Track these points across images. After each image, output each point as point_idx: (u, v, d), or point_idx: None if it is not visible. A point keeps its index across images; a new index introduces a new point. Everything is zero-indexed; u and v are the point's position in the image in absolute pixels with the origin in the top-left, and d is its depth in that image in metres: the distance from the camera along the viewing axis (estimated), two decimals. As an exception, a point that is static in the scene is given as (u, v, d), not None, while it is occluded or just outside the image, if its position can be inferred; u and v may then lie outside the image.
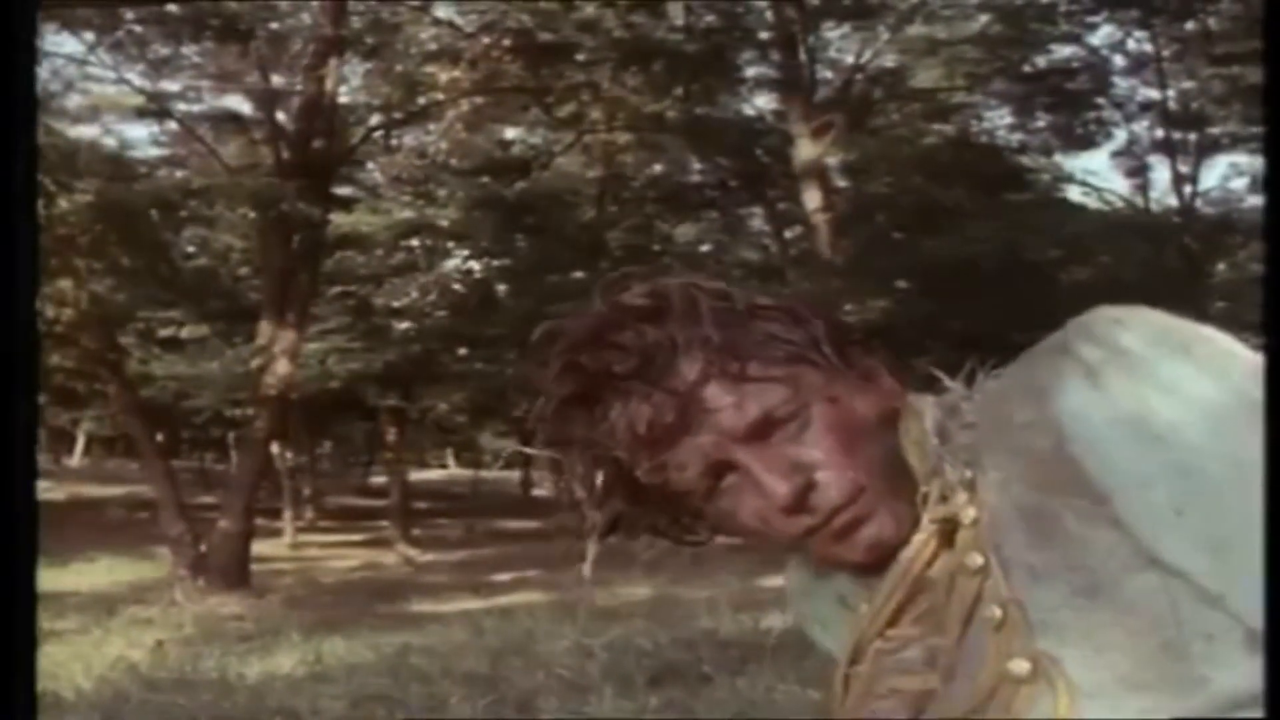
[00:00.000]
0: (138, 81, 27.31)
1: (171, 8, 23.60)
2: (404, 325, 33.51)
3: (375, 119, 28.79)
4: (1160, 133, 33.23)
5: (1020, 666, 1.20)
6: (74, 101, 28.15)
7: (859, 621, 1.38)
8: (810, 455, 1.30)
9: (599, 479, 1.36)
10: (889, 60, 30.13)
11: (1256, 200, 33.21)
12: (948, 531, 1.28)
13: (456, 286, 35.11)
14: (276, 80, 25.71)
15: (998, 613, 1.22)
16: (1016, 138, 34.07)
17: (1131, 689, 1.16)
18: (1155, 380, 1.16)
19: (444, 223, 33.70)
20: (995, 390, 1.31)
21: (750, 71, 29.44)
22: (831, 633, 1.49)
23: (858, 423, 1.32)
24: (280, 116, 25.31)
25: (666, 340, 1.31)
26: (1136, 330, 1.20)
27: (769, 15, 26.55)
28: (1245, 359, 1.19)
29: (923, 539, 1.30)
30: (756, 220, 36.41)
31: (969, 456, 1.28)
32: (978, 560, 1.25)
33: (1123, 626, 1.17)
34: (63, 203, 17.95)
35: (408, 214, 32.57)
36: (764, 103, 31.47)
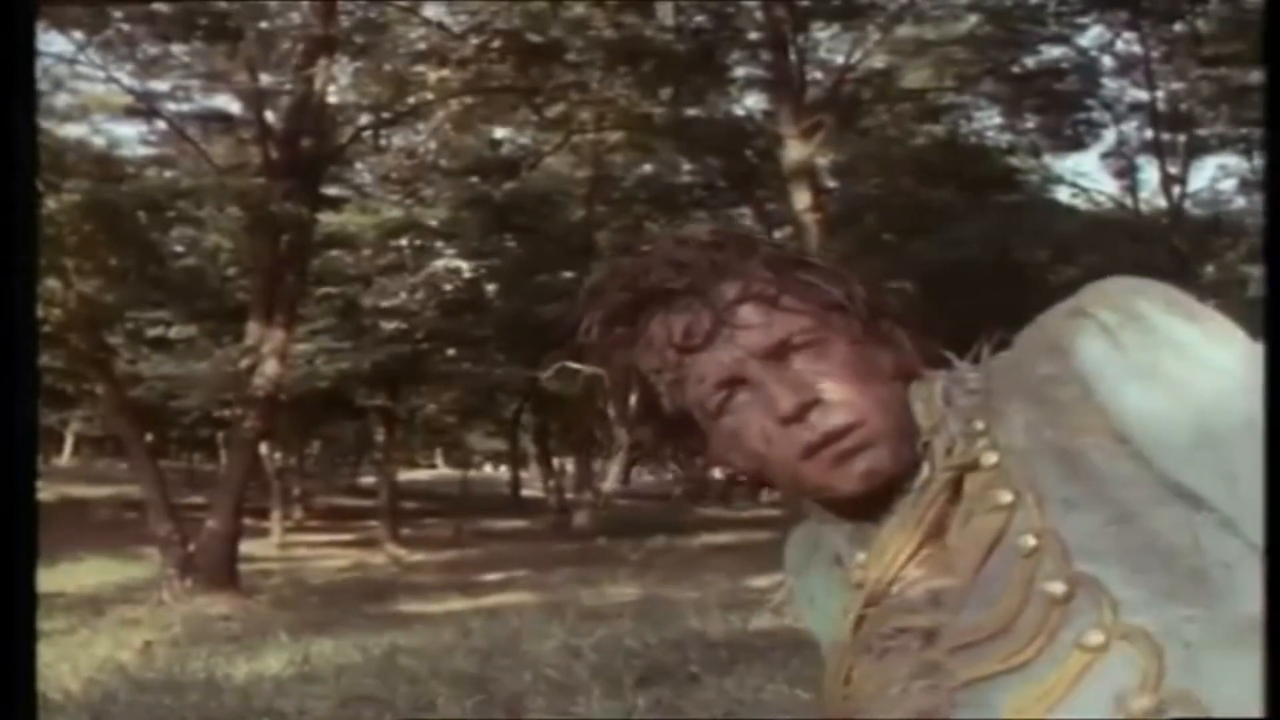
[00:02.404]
0: (127, 81, 27.23)
1: (160, 7, 23.57)
2: (392, 325, 33.51)
3: (364, 119, 28.75)
4: (1149, 134, 33.29)
5: (1056, 587, 1.29)
6: (63, 100, 28.02)
7: (868, 568, 1.45)
8: (821, 378, 1.40)
9: (633, 400, 1.49)
10: (878, 61, 30.12)
11: (1244, 201, 33.33)
12: (958, 479, 1.39)
13: (445, 286, 35.12)
14: (265, 80, 25.60)
15: (1031, 541, 1.31)
16: (1006, 138, 34.16)
17: (1171, 599, 1.26)
18: (1168, 342, 1.29)
19: (433, 222, 33.74)
20: (1009, 354, 1.43)
21: (740, 72, 29.44)
22: (821, 609, 1.57)
23: (872, 368, 1.42)
24: (269, 116, 25.24)
25: (718, 264, 1.43)
26: (1150, 297, 1.33)
27: (758, 15, 26.50)
28: (1244, 339, 1.31)
29: (938, 486, 1.40)
30: (746, 221, 36.32)
31: (975, 415, 1.40)
32: (1006, 497, 1.35)
33: (1155, 550, 1.27)
34: (51, 202, 17.87)
35: (396, 214, 32.61)
36: (753, 103, 31.50)
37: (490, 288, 36.01)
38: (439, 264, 35.99)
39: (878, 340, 1.44)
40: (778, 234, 32.08)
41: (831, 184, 31.45)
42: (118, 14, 23.95)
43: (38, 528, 1.58)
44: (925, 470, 1.41)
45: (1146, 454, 1.29)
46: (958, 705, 1.33)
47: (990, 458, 1.37)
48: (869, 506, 1.43)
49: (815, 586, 1.59)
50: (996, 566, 1.34)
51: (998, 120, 33.58)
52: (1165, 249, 30.40)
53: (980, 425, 1.39)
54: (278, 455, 35.87)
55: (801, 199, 23.43)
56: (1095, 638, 1.27)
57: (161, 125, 30.23)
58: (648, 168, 35.62)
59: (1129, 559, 1.28)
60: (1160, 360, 1.29)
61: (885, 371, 1.43)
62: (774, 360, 1.40)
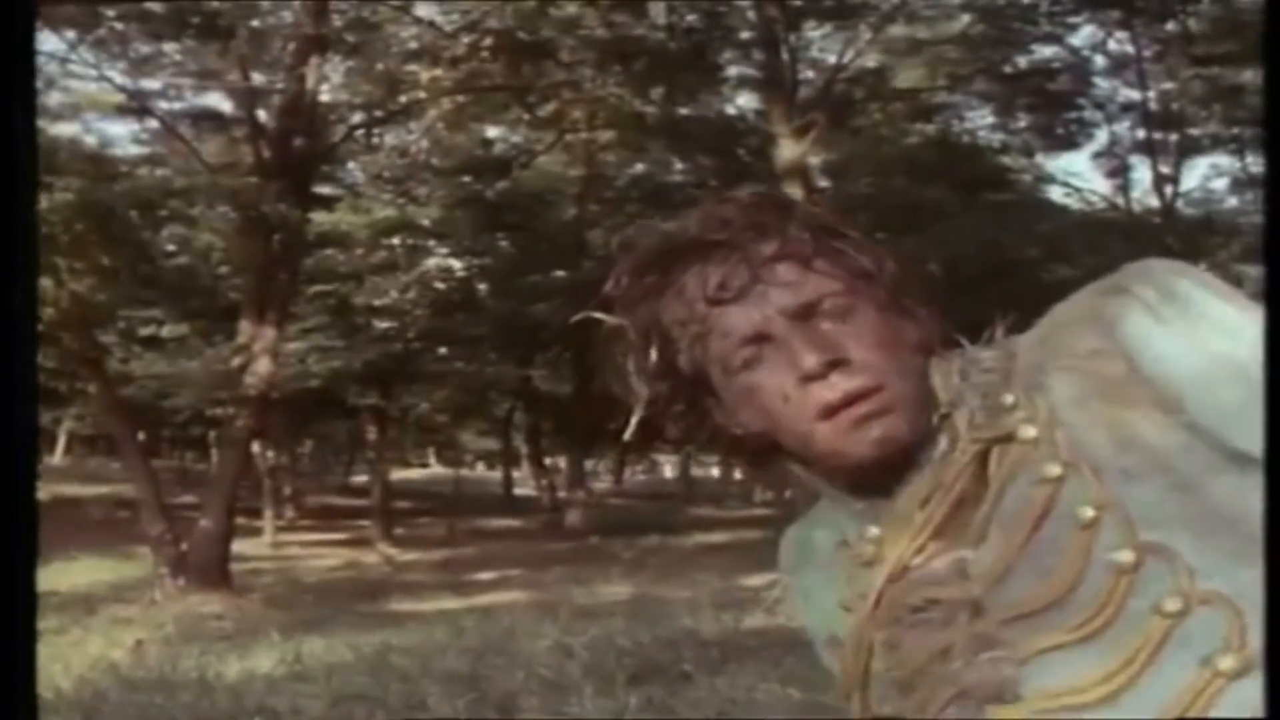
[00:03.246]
0: (119, 79, 27.19)
1: (153, 5, 23.55)
2: (385, 324, 33.47)
3: (356, 117, 28.72)
4: (1141, 133, 33.33)
5: (1124, 556, 1.33)
6: (55, 99, 27.96)
7: (883, 542, 1.47)
8: (846, 340, 1.42)
9: (653, 355, 1.50)
10: (871, 60, 30.11)
11: (1236, 201, 33.35)
12: (984, 452, 1.42)
13: (437, 285, 35.09)
14: (257, 78, 25.63)
15: (1090, 513, 1.35)
16: (998, 138, 34.17)
17: (1243, 563, 1.30)
18: (1206, 318, 1.35)
19: (425, 221, 33.70)
20: (1036, 332, 1.47)
21: (732, 71, 29.45)
22: (816, 605, 1.60)
23: (896, 337, 1.45)
24: (261, 115, 25.24)
25: (758, 222, 1.46)
26: (1188, 278, 1.38)
27: (751, 15, 26.50)
28: (1263, 316, 1.36)
29: (966, 458, 1.42)
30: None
31: (1001, 390, 1.44)
32: (1054, 469, 1.37)
33: (1219, 516, 1.32)
34: (43, 201, 17.85)
35: (388, 212, 32.56)
36: (745, 102, 31.54)
37: (482, 287, 35.95)
38: (431, 263, 35.96)
39: (902, 313, 1.47)
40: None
41: (824, 183, 31.40)
42: (110, 12, 23.93)
43: (38, 528, 1.58)
44: (943, 443, 1.44)
45: (1199, 422, 1.33)
46: (1028, 678, 1.36)
47: (1028, 431, 1.40)
48: (880, 478, 1.45)
49: (811, 583, 1.61)
50: (1048, 538, 1.36)
51: (990, 119, 33.60)
52: (1158, 248, 30.32)
53: (1011, 399, 1.42)
54: (270, 454, 35.82)
55: (794, 198, 23.43)
56: (1173, 604, 1.31)
57: (154, 124, 30.20)
58: (640, 167, 35.60)
59: (1194, 526, 1.32)
60: (1201, 333, 1.34)
61: (908, 343, 1.45)
62: (802, 320, 1.42)
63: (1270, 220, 1.39)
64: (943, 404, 1.45)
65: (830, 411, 1.40)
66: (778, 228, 1.46)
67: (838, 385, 1.39)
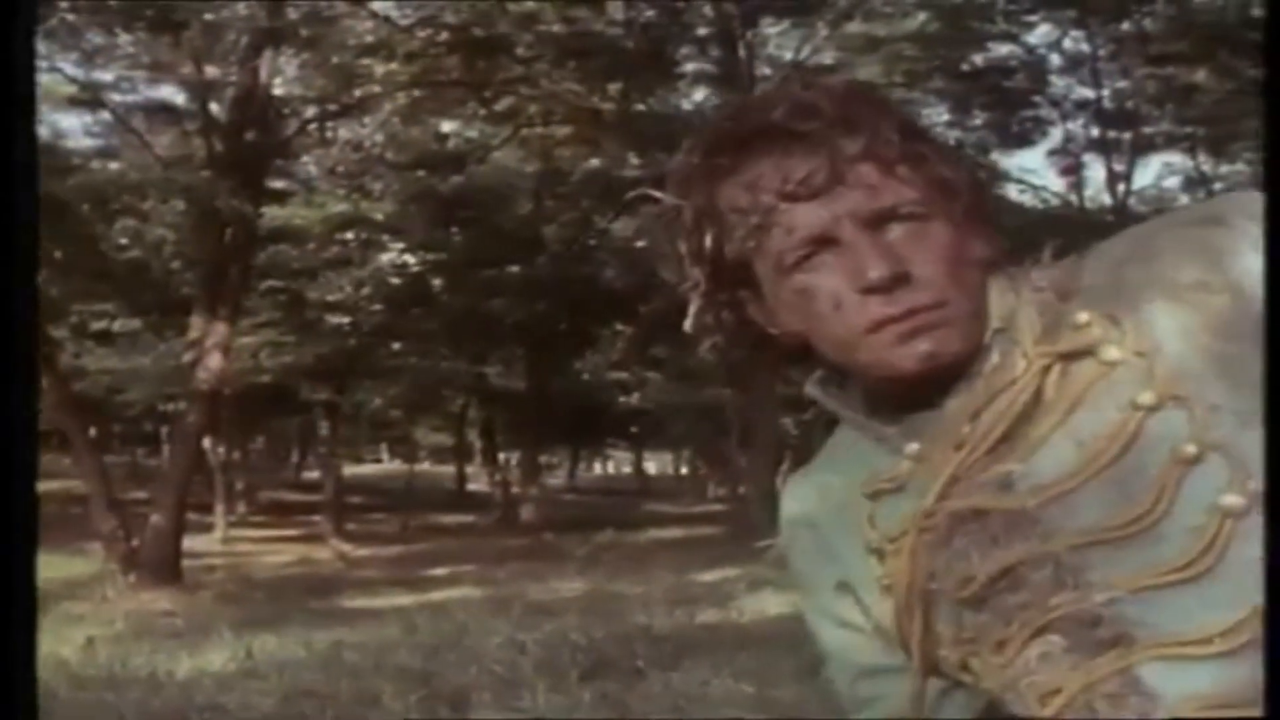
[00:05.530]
0: (71, 71, 26.97)
1: (106, -3, 23.39)
2: (338, 319, 33.40)
3: (310, 111, 28.55)
4: (1095, 131, 33.50)
5: (1233, 500, 1.29)
6: (5, 91, 27.74)
7: (925, 457, 1.42)
8: (914, 254, 1.37)
9: (708, 240, 1.43)
10: (827, 57, 30.15)
11: (1188, 199, 33.57)
12: (1046, 368, 1.37)
13: (391, 280, 35.04)
14: (211, 71, 25.47)
15: (1192, 449, 1.30)
16: (954, 135, 34.17)
17: None
18: None
19: (379, 216, 33.58)
20: (1120, 255, 1.43)
21: (689, 67, 29.41)
22: (824, 554, 1.55)
23: (965, 252, 1.40)
24: (214, 108, 25.11)
25: (848, 116, 1.39)
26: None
27: (708, 11, 26.55)
28: None
29: (1032, 373, 1.38)
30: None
31: (1067, 310, 1.40)
32: (1147, 397, 1.33)
33: None
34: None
35: (342, 207, 32.40)
36: (702, 98, 31.49)
37: (437, 282, 35.88)
38: (385, 258, 35.89)
39: (971, 228, 1.42)
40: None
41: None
42: (63, 3, 23.73)
43: (38, 529, 1.56)
44: (995, 357, 1.40)
45: None
46: (1124, 617, 1.32)
47: (1111, 352, 1.36)
48: (925, 391, 1.41)
49: (823, 529, 1.55)
50: (1133, 466, 1.32)
51: (946, 117, 33.62)
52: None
53: (1085, 317, 1.38)
54: (221, 450, 35.66)
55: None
56: None
57: (106, 116, 29.99)
58: (596, 162, 35.53)
59: None
60: None
61: (972, 259, 1.41)
62: (872, 226, 1.37)
63: (1270, 221, 1.35)
64: (995, 319, 1.41)
65: (882, 324, 1.36)
66: (868, 124, 1.39)
67: (900, 299, 1.35)
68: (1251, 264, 1.33)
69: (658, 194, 1.48)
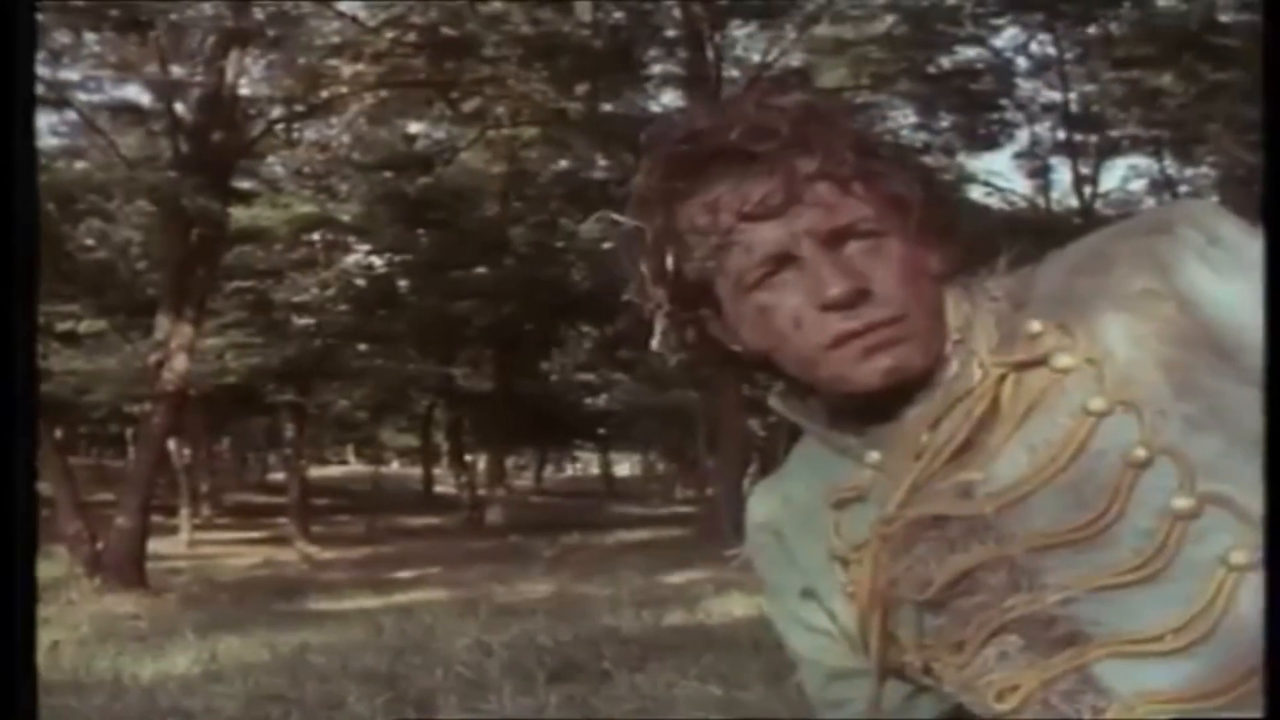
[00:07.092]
0: (37, 70, 26.81)
1: (72, -4, 23.26)
2: (304, 321, 33.33)
3: (276, 112, 28.43)
4: (1062, 134, 33.71)
5: (1182, 503, 1.31)
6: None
7: (886, 465, 1.44)
8: (872, 270, 1.38)
9: (669, 261, 1.43)
10: (795, 59, 30.27)
11: (1154, 202, 33.79)
12: (1002, 378, 1.40)
13: (358, 282, 35.02)
14: (177, 71, 25.36)
15: (1142, 453, 1.33)
16: (921, 138, 34.30)
17: None
18: (1248, 261, 1.35)
19: (345, 217, 33.55)
20: (1070, 264, 1.45)
21: (656, 69, 29.46)
22: (790, 562, 1.56)
23: (922, 266, 1.42)
24: (180, 108, 25.00)
25: (804, 136, 1.39)
26: (1228, 221, 1.39)
27: (676, 13, 26.58)
28: None
29: (989, 383, 1.40)
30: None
31: (1019, 319, 1.42)
32: (1097, 403, 1.35)
33: None
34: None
35: (308, 208, 32.34)
36: (670, 100, 31.53)
37: (403, 283, 35.88)
38: (351, 259, 35.88)
39: (927, 242, 1.43)
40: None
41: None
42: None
43: (37, 529, 1.55)
44: (954, 367, 1.41)
45: (1254, 372, 1.32)
46: (1078, 617, 1.35)
47: (1063, 359, 1.38)
48: (884, 403, 1.42)
49: (788, 538, 1.56)
50: (1086, 471, 1.34)
51: (913, 119, 33.79)
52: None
53: (1038, 326, 1.40)
54: (186, 451, 35.53)
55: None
56: (1240, 556, 1.30)
57: (72, 116, 29.84)
58: (563, 163, 35.59)
59: (1260, 483, 1.29)
60: (1244, 277, 1.35)
61: (929, 273, 1.42)
62: (831, 244, 1.37)
63: (1270, 220, 1.36)
64: (953, 330, 1.42)
65: (843, 340, 1.37)
66: (824, 143, 1.39)
67: (860, 315, 1.36)
68: (1195, 272, 1.36)
69: (618, 217, 1.48)
